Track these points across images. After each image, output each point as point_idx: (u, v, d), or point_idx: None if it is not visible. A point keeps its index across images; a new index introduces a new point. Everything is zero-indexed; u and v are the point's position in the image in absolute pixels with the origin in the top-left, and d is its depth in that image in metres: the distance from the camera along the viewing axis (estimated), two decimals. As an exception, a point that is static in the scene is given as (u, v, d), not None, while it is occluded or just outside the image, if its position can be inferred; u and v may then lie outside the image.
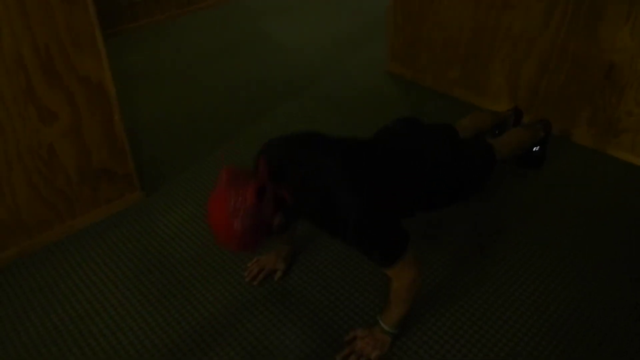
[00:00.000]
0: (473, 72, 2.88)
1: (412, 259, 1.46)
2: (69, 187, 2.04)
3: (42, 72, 1.78)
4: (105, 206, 2.18)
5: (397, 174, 1.58)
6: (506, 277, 1.87)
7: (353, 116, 2.87)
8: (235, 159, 2.52)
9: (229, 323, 1.73)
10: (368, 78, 3.27)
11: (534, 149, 2.34)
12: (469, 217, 2.14)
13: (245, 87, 3.22)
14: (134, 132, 2.59)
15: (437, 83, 3.08)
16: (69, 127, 1.93)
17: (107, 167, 2.12)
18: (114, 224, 2.16)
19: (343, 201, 1.36)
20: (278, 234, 1.36)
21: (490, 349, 1.63)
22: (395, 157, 1.64)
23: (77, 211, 2.11)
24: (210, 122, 2.86)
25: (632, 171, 2.39)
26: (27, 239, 2.01)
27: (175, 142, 2.69)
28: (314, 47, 3.71)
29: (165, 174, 2.44)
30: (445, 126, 2.03)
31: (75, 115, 1.93)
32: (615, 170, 2.40)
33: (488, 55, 2.76)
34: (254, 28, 4.04)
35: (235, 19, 4.23)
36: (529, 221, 2.12)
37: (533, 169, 2.38)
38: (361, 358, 1.57)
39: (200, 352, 1.64)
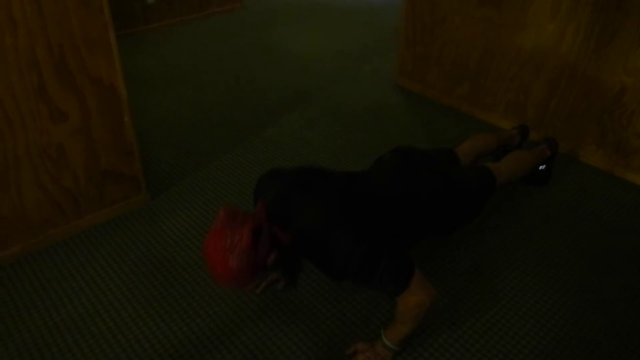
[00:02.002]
0: (482, 90, 2.88)
1: (421, 283, 1.44)
2: (75, 187, 2.04)
3: (55, 71, 1.79)
4: (111, 207, 2.19)
5: (391, 210, 1.60)
6: (510, 293, 1.86)
7: (359, 127, 2.88)
8: (244, 164, 2.52)
9: (229, 330, 1.73)
10: (376, 90, 3.27)
11: (540, 168, 2.34)
12: (472, 234, 2.13)
13: (254, 93, 3.23)
14: (141, 134, 2.59)
15: (445, 98, 3.08)
16: (79, 128, 1.94)
17: (114, 168, 2.12)
18: (118, 225, 2.16)
19: (342, 245, 1.39)
20: (273, 270, 1.40)
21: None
22: (387, 195, 1.65)
23: (83, 211, 2.11)
24: (218, 127, 2.87)
25: None
26: (32, 237, 2.01)
27: (181, 146, 2.69)
28: (324, 57, 3.72)
29: (170, 177, 2.45)
30: (445, 152, 2.05)
31: (85, 116, 1.94)
32: (622, 191, 2.40)
33: (498, 73, 2.77)
34: (265, 35, 4.06)
35: (247, 25, 4.25)
36: (533, 239, 2.11)
37: (539, 187, 2.38)
38: (361, 372, 1.57)
39: (199, 357, 1.64)
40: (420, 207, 1.68)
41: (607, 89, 2.38)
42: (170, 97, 3.17)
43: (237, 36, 4.05)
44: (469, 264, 2.00)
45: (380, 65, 3.56)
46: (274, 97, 3.19)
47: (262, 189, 1.59)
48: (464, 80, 2.95)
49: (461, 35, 2.85)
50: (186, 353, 1.65)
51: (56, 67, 1.79)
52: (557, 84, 2.55)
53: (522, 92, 2.71)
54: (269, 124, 2.89)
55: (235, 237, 1.30)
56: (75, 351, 1.65)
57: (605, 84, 2.38)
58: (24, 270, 1.94)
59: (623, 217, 2.24)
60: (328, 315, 1.78)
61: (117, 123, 2.04)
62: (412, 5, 3.04)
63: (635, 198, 2.36)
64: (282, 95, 3.21)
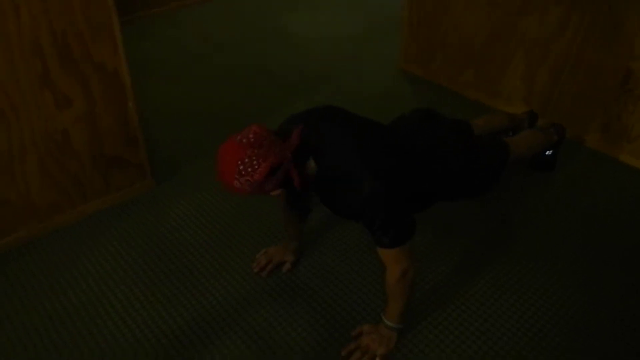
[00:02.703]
0: (487, 75, 2.86)
1: (409, 252, 1.47)
2: (81, 173, 2.06)
3: (59, 58, 1.80)
4: (116, 193, 2.20)
5: (410, 164, 1.57)
6: (514, 277, 1.87)
7: (365, 113, 2.86)
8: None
9: (235, 313, 1.75)
10: (381, 76, 3.26)
11: (546, 153, 2.33)
12: (476, 218, 2.14)
13: (259, 79, 3.23)
14: (146, 120, 2.60)
15: (450, 83, 3.07)
16: (83, 114, 1.95)
17: (119, 154, 2.13)
18: (124, 210, 2.17)
19: (361, 171, 1.38)
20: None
21: (495, 343, 1.63)
22: (409, 147, 1.63)
23: (88, 197, 2.13)
24: (222, 113, 2.87)
25: (644, 178, 2.38)
26: (38, 222, 2.03)
27: (187, 132, 2.70)
28: (329, 42, 3.71)
29: (176, 163, 2.45)
30: (462, 122, 2.03)
31: (89, 102, 1.94)
32: (627, 177, 2.39)
33: (503, 58, 2.75)
34: (270, 21, 4.04)
35: (250, 11, 4.22)
36: (538, 224, 2.11)
37: (544, 172, 2.37)
38: (366, 354, 1.58)
39: (206, 339, 1.66)
40: (439, 166, 1.67)
41: (612, 74, 2.37)
42: (175, 83, 3.17)
43: (242, 21, 4.03)
44: (466, 247, 2.00)
45: (385, 50, 3.54)
46: (280, 82, 3.18)
47: (290, 121, 1.55)
48: (468, 65, 2.93)
49: (465, 20, 2.83)
50: (193, 334, 1.67)
51: (60, 53, 1.79)
52: (562, 70, 2.53)
53: (527, 78, 2.69)
54: (275, 110, 2.88)
55: (251, 167, 1.28)
56: (85, 334, 1.67)
57: (611, 69, 2.36)
58: (31, 254, 1.96)
59: (628, 204, 2.23)
60: (334, 298, 1.80)
61: (121, 109, 2.05)
62: (416, -10, 3.02)
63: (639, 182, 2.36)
64: (288, 81, 3.20)
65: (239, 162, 1.28)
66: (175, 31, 3.85)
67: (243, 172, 1.28)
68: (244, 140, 1.30)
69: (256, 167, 1.27)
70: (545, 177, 2.37)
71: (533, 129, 2.37)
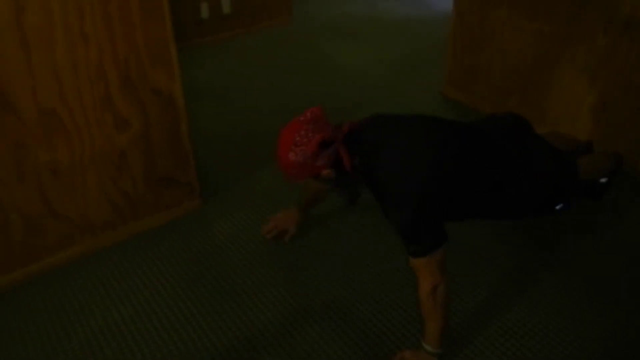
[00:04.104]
0: (533, 101, 2.85)
1: (439, 265, 1.48)
2: (134, 191, 2.15)
3: (120, 82, 1.91)
4: (166, 211, 2.29)
5: (477, 173, 1.59)
6: (560, 299, 1.84)
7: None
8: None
9: (278, 332, 1.78)
10: (423, 101, 3.29)
11: (600, 180, 2.27)
12: (514, 238, 2.11)
13: (304, 104, 3.29)
14: (193, 141, 2.70)
15: (495, 109, 3.06)
16: (140, 135, 2.05)
17: (170, 174, 2.22)
18: (172, 228, 2.26)
19: (403, 174, 1.47)
20: (324, 183, 1.56)
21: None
22: (483, 156, 1.63)
23: (140, 215, 2.22)
24: (267, 136, 2.93)
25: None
26: (93, 237, 2.13)
27: (232, 154, 2.79)
28: (372, 69, 3.77)
29: (221, 184, 2.54)
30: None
31: (146, 124, 2.05)
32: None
33: (549, 85, 2.74)
34: (314, 49, 4.15)
35: (296, 39, 4.35)
36: (577, 253, 2.07)
37: (592, 200, 2.31)
38: (407, 379, 1.59)
39: (250, 357, 1.69)
40: (511, 173, 1.64)
41: (663, 102, 2.33)
42: (221, 107, 3.28)
43: (287, 49, 4.15)
44: (503, 266, 1.98)
45: (427, 77, 3.58)
46: (324, 108, 3.23)
47: (366, 121, 1.67)
48: (513, 91, 2.93)
49: (510, 47, 2.84)
50: (235, 353, 1.71)
51: (121, 78, 1.90)
52: (611, 97, 2.50)
53: (574, 104, 2.67)
54: (317, 134, 2.95)
55: (305, 138, 1.46)
56: (133, 347, 1.73)
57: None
58: (86, 268, 2.05)
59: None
60: (374, 322, 1.81)
61: (175, 131, 2.15)
62: (461, 17, 3.06)
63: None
64: (330, 107, 3.24)
65: (296, 134, 1.47)
66: (223, 58, 4.00)
67: (299, 142, 1.46)
68: (302, 118, 1.52)
69: (311, 137, 1.46)
70: (591, 203, 2.31)
71: (598, 153, 2.30)
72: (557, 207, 1.81)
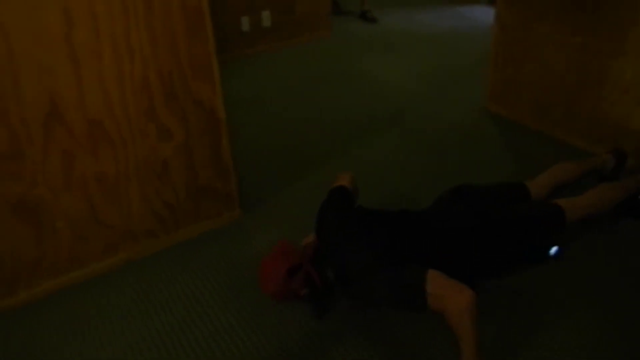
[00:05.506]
0: (577, 116, 2.77)
1: (444, 284, 1.53)
2: (175, 201, 2.19)
3: (164, 94, 1.96)
4: (206, 221, 2.32)
5: (439, 245, 1.77)
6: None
7: (446, 152, 2.87)
8: (330, 184, 2.59)
9: (316, 346, 1.76)
10: (464, 115, 3.25)
11: (639, 197, 2.18)
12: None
13: (340, 117, 3.31)
14: (233, 153, 2.74)
15: (537, 124, 3.00)
16: (182, 146, 2.09)
17: (211, 184, 2.26)
18: (211, 239, 2.28)
19: (377, 288, 1.64)
20: (308, 301, 1.80)
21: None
22: (437, 238, 1.80)
23: (180, 224, 2.26)
24: (305, 149, 2.97)
25: None
26: (135, 245, 2.18)
27: (270, 166, 2.81)
28: (411, 83, 3.76)
29: (260, 195, 2.55)
30: (511, 186, 2.10)
31: (187, 135, 2.09)
32: None
33: (595, 99, 2.65)
34: (353, 63, 4.17)
35: (336, 53, 4.38)
36: (601, 282, 1.99)
37: (630, 218, 2.21)
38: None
39: (286, 370, 1.69)
40: (466, 250, 1.80)
41: None
42: (260, 119, 3.32)
43: (326, 63, 4.18)
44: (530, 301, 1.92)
45: (467, 90, 3.53)
46: (361, 121, 3.25)
47: (320, 220, 1.90)
48: (556, 105, 2.86)
49: (554, 61, 2.78)
50: (274, 364, 1.71)
51: (165, 91, 1.95)
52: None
53: (621, 119, 2.58)
54: (355, 146, 2.95)
55: (276, 269, 1.72)
56: (172, 355, 1.75)
57: None
58: (128, 277, 2.10)
59: None
60: (413, 340, 1.77)
61: (216, 142, 2.18)
62: (504, 30, 3.01)
63: None
64: (371, 121, 3.26)
65: (270, 269, 1.74)
66: (263, 71, 4.06)
67: (272, 275, 1.73)
68: (272, 253, 1.79)
69: (279, 270, 1.71)
70: (632, 223, 2.21)
71: (610, 183, 2.21)
72: (551, 253, 1.97)
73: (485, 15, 4.98)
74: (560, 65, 2.76)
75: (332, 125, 3.21)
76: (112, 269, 2.13)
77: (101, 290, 2.04)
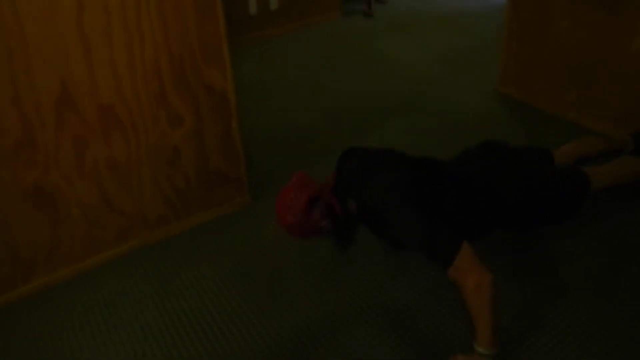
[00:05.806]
0: (592, 97, 2.72)
1: (472, 260, 1.49)
2: (186, 187, 2.19)
3: (174, 79, 1.94)
4: (217, 207, 2.32)
5: (462, 203, 1.70)
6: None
7: (461, 133, 2.83)
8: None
9: (328, 331, 1.77)
10: (477, 97, 3.20)
11: None
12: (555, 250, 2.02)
13: (353, 100, 3.28)
14: (243, 138, 2.72)
15: (551, 105, 2.95)
16: (192, 131, 2.08)
17: (222, 170, 2.25)
18: (223, 224, 2.28)
19: (403, 225, 1.57)
20: (331, 233, 1.72)
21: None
22: (464, 186, 1.75)
23: (192, 210, 2.26)
24: (317, 133, 2.94)
25: None
26: (148, 232, 2.18)
27: (282, 151, 2.79)
28: (425, 64, 3.70)
29: (271, 180, 2.54)
30: (538, 150, 2.06)
31: (198, 121, 2.07)
32: None
33: (611, 80, 2.60)
34: (365, 44, 4.11)
35: (346, 34, 4.32)
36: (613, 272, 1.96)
37: None
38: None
39: (297, 355, 1.69)
40: (492, 200, 1.76)
41: None
42: (271, 103, 3.30)
43: (337, 45, 4.13)
44: (538, 280, 1.90)
45: (481, 72, 3.48)
46: (374, 103, 3.21)
47: (342, 160, 1.83)
48: (571, 87, 2.81)
49: (569, 40, 2.72)
50: (285, 348, 1.71)
51: (176, 75, 1.93)
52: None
53: (638, 101, 2.53)
54: (369, 130, 2.92)
55: (295, 200, 1.63)
56: (186, 340, 1.76)
57: None
58: (142, 263, 2.10)
59: None
60: (426, 323, 1.77)
61: (226, 128, 2.17)
62: (516, 11, 2.95)
63: None
64: (382, 102, 3.22)
65: (287, 199, 1.65)
66: (272, 54, 4.02)
67: (290, 205, 1.64)
68: (289, 184, 1.69)
69: (298, 198, 1.63)
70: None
71: (629, 155, 2.19)
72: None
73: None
74: (575, 44, 2.70)
75: (347, 109, 3.17)
76: (126, 255, 2.13)
77: (115, 276, 2.04)
